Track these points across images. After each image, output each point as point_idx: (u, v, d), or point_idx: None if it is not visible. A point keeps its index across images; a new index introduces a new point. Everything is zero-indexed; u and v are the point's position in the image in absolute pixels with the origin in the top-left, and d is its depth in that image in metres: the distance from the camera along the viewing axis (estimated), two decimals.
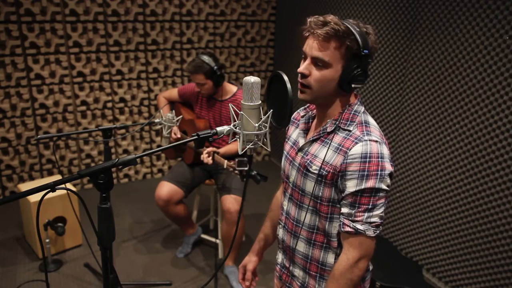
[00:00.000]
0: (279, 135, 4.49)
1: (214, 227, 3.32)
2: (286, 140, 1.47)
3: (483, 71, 2.30)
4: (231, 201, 2.61)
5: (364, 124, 1.24)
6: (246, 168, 2.15)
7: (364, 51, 1.17)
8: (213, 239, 3.06)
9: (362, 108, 1.28)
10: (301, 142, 1.36)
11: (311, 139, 1.32)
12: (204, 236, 3.09)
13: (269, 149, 1.12)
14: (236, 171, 2.32)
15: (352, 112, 1.26)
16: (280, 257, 1.53)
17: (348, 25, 1.18)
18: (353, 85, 1.20)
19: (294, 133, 1.43)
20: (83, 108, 3.73)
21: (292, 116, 1.50)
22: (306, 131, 1.38)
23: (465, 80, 2.40)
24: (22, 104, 3.49)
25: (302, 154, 1.33)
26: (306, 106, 1.46)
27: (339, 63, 1.19)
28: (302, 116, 1.43)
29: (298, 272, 1.42)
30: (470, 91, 2.39)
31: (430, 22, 2.56)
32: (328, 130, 1.27)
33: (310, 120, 1.39)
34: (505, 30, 2.17)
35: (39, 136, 1.96)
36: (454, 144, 2.52)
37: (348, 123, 1.25)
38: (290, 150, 1.41)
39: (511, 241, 2.28)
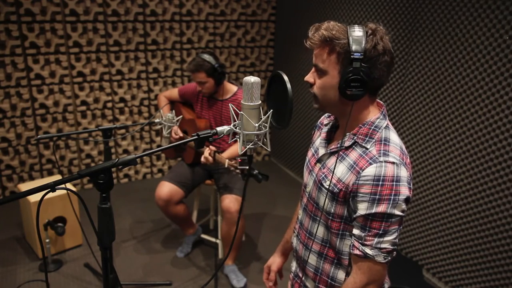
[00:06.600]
0: (279, 135, 4.49)
1: (214, 227, 3.31)
2: (311, 145, 1.42)
3: (483, 71, 2.30)
4: (231, 201, 2.61)
5: (383, 142, 1.16)
6: (247, 167, 2.15)
7: (355, 54, 1.09)
8: (213, 239, 3.06)
9: (384, 123, 1.19)
10: (321, 152, 1.30)
11: (329, 151, 1.27)
12: (204, 236, 3.09)
13: (269, 149, 1.11)
14: (238, 170, 2.31)
15: (372, 127, 1.18)
16: (294, 265, 1.50)
17: (343, 29, 1.13)
18: (348, 92, 1.11)
19: (318, 140, 1.37)
20: (83, 108, 3.73)
21: (319, 120, 1.46)
22: (328, 141, 1.32)
23: (465, 80, 2.40)
24: (22, 104, 3.49)
25: (320, 166, 1.29)
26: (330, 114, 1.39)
27: (335, 69, 1.14)
28: (326, 125, 1.37)
29: (309, 283, 1.39)
30: (470, 91, 2.39)
31: (430, 22, 2.56)
32: (346, 145, 1.21)
33: (333, 130, 1.34)
34: (505, 30, 2.17)
35: (39, 136, 1.96)
36: (454, 144, 2.52)
37: (367, 139, 1.17)
38: (311, 158, 1.36)
39: (511, 241, 2.28)
